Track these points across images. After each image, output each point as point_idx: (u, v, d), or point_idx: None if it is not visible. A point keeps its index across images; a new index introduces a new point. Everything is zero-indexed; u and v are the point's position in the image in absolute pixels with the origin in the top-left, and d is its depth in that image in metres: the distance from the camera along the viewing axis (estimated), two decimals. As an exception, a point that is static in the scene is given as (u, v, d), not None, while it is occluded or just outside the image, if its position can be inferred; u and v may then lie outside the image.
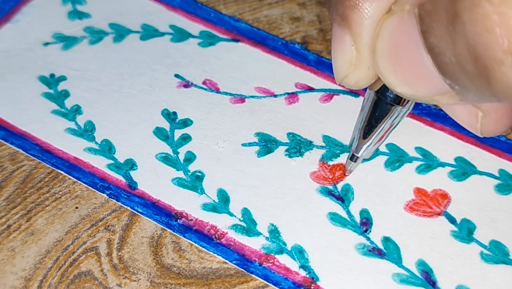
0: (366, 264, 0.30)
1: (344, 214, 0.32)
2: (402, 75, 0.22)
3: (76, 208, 0.32)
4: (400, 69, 0.22)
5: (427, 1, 0.20)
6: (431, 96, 0.22)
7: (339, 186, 0.33)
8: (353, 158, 0.32)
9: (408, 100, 0.27)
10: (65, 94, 0.36)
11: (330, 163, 0.33)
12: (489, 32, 0.19)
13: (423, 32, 0.21)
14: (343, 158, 0.33)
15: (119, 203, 0.32)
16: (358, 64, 0.24)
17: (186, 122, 0.35)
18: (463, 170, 0.33)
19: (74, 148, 0.34)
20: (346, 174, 0.33)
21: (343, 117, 0.35)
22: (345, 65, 0.24)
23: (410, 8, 0.21)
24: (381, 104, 0.28)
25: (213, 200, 0.32)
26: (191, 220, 0.32)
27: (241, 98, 0.36)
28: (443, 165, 0.33)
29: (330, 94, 0.36)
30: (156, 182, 0.33)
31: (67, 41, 0.38)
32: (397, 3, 0.22)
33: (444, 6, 0.20)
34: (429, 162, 0.33)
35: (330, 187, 0.32)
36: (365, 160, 0.33)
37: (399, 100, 0.27)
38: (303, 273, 0.30)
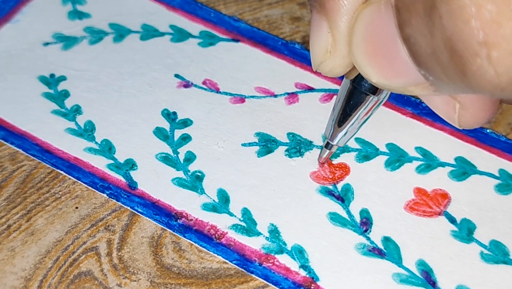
0: (366, 264, 0.30)
1: (344, 214, 0.32)
2: (377, 65, 0.23)
3: (76, 208, 0.32)
4: (376, 59, 0.22)
5: None
6: (405, 86, 0.23)
7: (339, 186, 0.33)
8: (327, 146, 0.32)
9: (383, 90, 0.27)
10: (65, 94, 0.36)
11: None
12: (465, 24, 0.19)
13: (400, 23, 0.21)
14: (343, 158, 0.33)
15: (119, 203, 0.32)
16: (334, 52, 0.24)
17: (186, 122, 0.35)
18: (463, 169, 0.33)
19: (74, 148, 0.34)
20: (319, 161, 0.33)
21: (343, 117, 0.35)
22: (321, 52, 0.24)
23: None
24: (356, 93, 0.28)
25: (213, 200, 0.32)
26: (191, 220, 0.32)
27: (241, 98, 0.36)
28: (443, 164, 0.33)
29: (330, 94, 0.36)
30: (156, 182, 0.33)
31: (67, 41, 0.38)
32: None
33: None
34: (429, 162, 0.33)
35: (330, 187, 0.32)
36: (364, 160, 0.33)
37: (374, 89, 0.27)
38: (303, 273, 0.30)
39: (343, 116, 0.29)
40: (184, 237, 0.31)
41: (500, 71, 0.19)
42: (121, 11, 0.40)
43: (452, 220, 0.32)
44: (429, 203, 0.32)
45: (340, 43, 0.24)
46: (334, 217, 0.32)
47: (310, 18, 0.39)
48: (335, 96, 0.36)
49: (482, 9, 0.18)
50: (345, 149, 0.34)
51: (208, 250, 0.31)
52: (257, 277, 0.30)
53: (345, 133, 0.30)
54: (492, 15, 0.18)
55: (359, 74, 0.26)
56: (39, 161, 0.34)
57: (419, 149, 0.34)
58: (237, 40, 0.38)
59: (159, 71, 0.37)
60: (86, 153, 0.34)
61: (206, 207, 0.32)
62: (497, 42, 0.19)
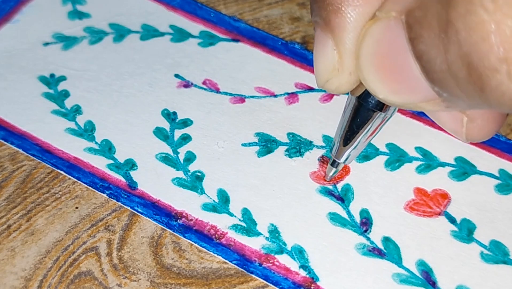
0: (366, 264, 0.30)
1: (344, 214, 0.32)
2: (386, 82, 0.22)
3: (76, 208, 0.32)
4: (385, 76, 0.22)
5: (416, 8, 0.20)
6: (415, 103, 0.22)
7: (339, 186, 0.33)
8: (334, 164, 0.31)
9: (390, 106, 0.27)
10: (65, 94, 0.36)
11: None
12: (484, 40, 0.19)
13: (411, 39, 0.21)
14: (343, 158, 0.33)
15: (119, 203, 0.32)
16: (340, 70, 0.24)
17: (186, 122, 0.35)
18: (463, 169, 0.33)
19: (74, 148, 0.34)
20: (326, 180, 0.33)
21: (343, 117, 0.35)
22: (327, 70, 0.24)
23: (396, 15, 0.21)
24: (363, 110, 0.27)
25: (213, 200, 0.32)
26: (191, 220, 0.32)
27: (241, 98, 0.36)
28: (443, 164, 0.33)
29: (330, 94, 0.36)
30: (156, 182, 0.33)
31: (67, 41, 0.38)
32: (382, 10, 0.22)
33: (436, 14, 0.19)
34: (429, 162, 0.33)
35: (330, 187, 0.32)
36: (364, 160, 0.33)
37: (381, 106, 0.27)
38: (303, 273, 0.30)
39: (350, 134, 0.29)
40: (184, 237, 0.31)
41: None
42: (121, 11, 0.40)
43: (452, 220, 0.32)
44: (429, 203, 0.32)
45: (346, 60, 0.23)
46: (334, 217, 0.32)
47: (309, 18, 0.39)
48: (335, 97, 0.36)
49: (502, 25, 0.18)
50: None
51: (208, 250, 0.31)
52: (257, 277, 0.30)
53: (352, 151, 0.29)
54: None
55: (365, 90, 0.26)
56: (39, 161, 0.34)
57: (419, 149, 0.34)
58: (237, 40, 0.38)
59: (159, 71, 0.37)
60: (86, 153, 0.34)
61: (206, 207, 0.32)
62: None
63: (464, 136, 0.26)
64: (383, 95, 0.23)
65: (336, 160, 0.30)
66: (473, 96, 0.20)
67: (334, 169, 0.32)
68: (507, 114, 0.26)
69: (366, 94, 0.27)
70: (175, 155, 0.34)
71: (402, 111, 0.35)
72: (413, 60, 0.21)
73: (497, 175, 0.33)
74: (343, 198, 0.32)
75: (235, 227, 0.31)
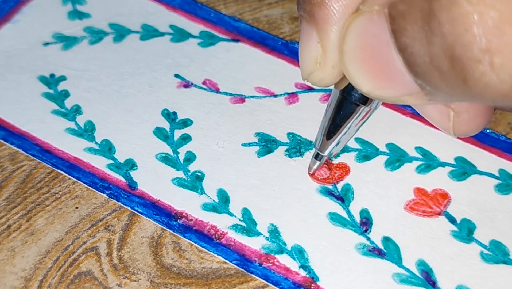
0: (366, 264, 0.30)
1: (344, 214, 0.32)
2: (369, 76, 0.22)
3: (76, 208, 0.32)
4: (368, 69, 0.22)
5: (399, 1, 0.20)
6: (398, 96, 0.22)
7: (339, 186, 0.33)
8: (317, 157, 0.32)
9: (374, 100, 0.27)
10: (65, 94, 0.36)
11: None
12: (467, 31, 0.19)
13: (395, 32, 0.21)
14: (343, 158, 0.33)
15: (119, 203, 0.32)
16: (323, 63, 0.24)
17: (186, 122, 0.35)
18: (463, 169, 0.33)
19: (74, 148, 0.34)
20: (309, 172, 0.33)
21: (343, 117, 0.35)
22: (311, 63, 0.24)
23: (379, 8, 0.21)
24: (346, 103, 0.27)
25: (213, 200, 0.32)
26: (191, 220, 0.32)
27: (241, 98, 0.36)
28: (443, 164, 0.33)
29: (330, 94, 0.36)
30: (156, 182, 0.33)
31: (67, 41, 0.38)
32: (365, 3, 0.22)
33: (419, 6, 0.20)
34: (429, 162, 0.33)
35: (330, 187, 0.32)
36: (364, 160, 0.33)
37: (364, 99, 0.27)
38: (303, 273, 0.30)
39: (333, 127, 0.29)
40: (184, 237, 0.31)
41: (503, 78, 0.19)
42: (121, 11, 0.40)
43: (452, 220, 0.32)
44: (429, 203, 0.32)
45: (330, 53, 0.23)
46: (334, 217, 0.32)
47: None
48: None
49: (485, 16, 0.18)
50: (345, 149, 0.34)
51: (208, 250, 0.31)
52: (257, 277, 0.30)
53: (336, 145, 0.30)
54: (495, 22, 0.18)
55: (349, 84, 0.26)
56: (39, 161, 0.34)
57: (419, 149, 0.34)
58: (237, 40, 0.38)
59: (159, 71, 0.37)
60: (86, 153, 0.34)
61: (206, 207, 0.32)
62: (500, 49, 0.19)
63: (452, 131, 0.26)
64: (366, 89, 0.23)
65: (320, 153, 0.31)
66: (457, 89, 0.20)
67: (317, 162, 0.32)
68: (494, 108, 0.26)
69: (349, 88, 0.27)
70: (175, 155, 0.34)
71: (402, 111, 0.35)
72: (396, 53, 0.21)
73: (497, 174, 0.33)
74: (343, 198, 0.32)
75: (235, 227, 0.31)
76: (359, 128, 0.29)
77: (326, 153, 0.30)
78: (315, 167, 0.32)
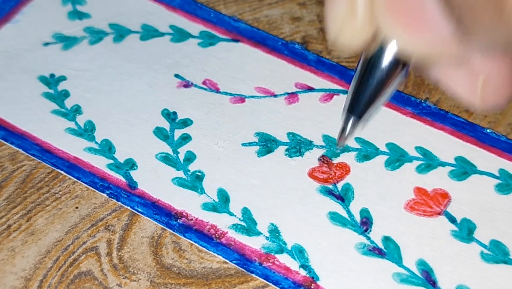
0: (366, 263, 0.30)
1: (344, 214, 0.32)
2: (402, 21, 0.21)
3: (76, 208, 0.32)
4: (401, 13, 0.21)
5: None
6: (432, 46, 0.22)
7: (339, 185, 0.33)
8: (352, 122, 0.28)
9: (404, 66, 0.26)
10: (65, 94, 0.36)
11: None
12: None
13: None
14: (343, 157, 0.33)
15: (119, 203, 0.32)
16: (352, 16, 0.23)
17: (186, 122, 0.35)
18: (463, 169, 0.33)
19: (74, 148, 0.34)
20: (338, 146, 0.32)
21: (343, 117, 0.35)
22: (339, 19, 0.23)
23: None
24: (375, 70, 0.27)
25: (213, 200, 0.32)
26: (191, 219, 0.32)
27: (241, 98, 0.36)
28: (443, 164, 0.33)
29: (330, 94, 0.36)
30: (156, 181, 0.33)
31: (67, 41, 0.38)
32: None
33: None
34: (429, 162, 0.33)
35: (330, 186, 0.32)
36: (364, 160, 0.33)
37: (394, 65, 0.26)
38: (303, 272, 0.30)
39: (371, 93, 0.27)
40: (184, 236, 0.31)
41: None
42: (121, 11, 0.40)
43: (452, 219, 0.31)
44: (429, 203, 0.32)
45: (359, 4, 0.23)
46: (334, 217, 0.32)
47: (310, 17, 0.39)
48: (335, 97, 0.36)
49: None
50: (345, 149, 0.34)
51: (208, 249, 0.31)
52: (257, 277, 0.30)
53: (369, 110, 0.27)
54: None
55: (379, 48, 0.25)
56: (39, 160, 0.34)
57: (419, 149, 0.34)
58: (237, 40, 0.38)
59: (159, 71, 0.37)
60: (86, 152, 0.34)
61: (206, 206, 0.32)
62: None
63: (479, 101, 0.25)
64: (399, 36, 0.22)
65: (356, 118, 0.28)
66: (493, 20, 0.19)
67: (348, 130, 0.30)
68: None
69: (378, 52, 0.26)
70: (175, 155, 0.34)
71: (402, 111, 0.35)
72: None
73: (497, 174, 0.33)
74: (343, 197, 0.32)
75: (235, 227, 0.31)
76: (390, 97, 0.27)
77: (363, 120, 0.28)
78: (347, 134, 0.28)
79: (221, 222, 0.31)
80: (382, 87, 0.27)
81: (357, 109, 0.28)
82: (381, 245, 0.31)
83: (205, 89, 0.36)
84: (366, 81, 0.27)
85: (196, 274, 0.30)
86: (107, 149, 0.34)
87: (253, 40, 0.38)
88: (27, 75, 0.37)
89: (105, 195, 0.32)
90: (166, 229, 0.31)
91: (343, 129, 0.28)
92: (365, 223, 0.31)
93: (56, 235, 0.31)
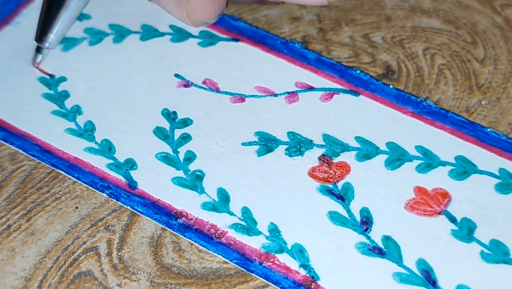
0: (367, 263, 0.30)
1: (344, 213, 0.32)
2: None
3: (76, 208, 0.32)
4: None
5: None
6: None
7: (339, 184, 0.33)
8: (39, 50, 0.36)
9: None
10: (65, 94, 0.36)
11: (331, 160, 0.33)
12: None
13: None
14: (343, 157, 0.33)
15: (119, 203, 0.32)
16: None
17: (186, 122, 0.35)
18: (464, 169, 0.33)
19: (74, 148, 0.34)
20: (34, 66, 0.36)
21: (343, 116, 0.35)
22: None
23: None
24: None
25: (213, 199, 0.32)
26: (191, 219, 0.32)
27: (241, 98, 0.36)
28: (443, 163, 0.33)
29: (330, 93, 0.36)
30: (156, 181, 0.33)
31: (67, 43, 0.38)
32: None
33: None
34: (429, 161, 0.33)
35: (330, 186, 0.32)
36: (364, 159, 0.33)
37: None
38: (303, 272, 0.30)
39: (49, 20, 0.34)
40: (184, 236, 0.31)
41: None
42: (121, 12, 0.40)
43: (452, 219, 0.31)
44: (430, 202, 0.32)
45: None
46: (334, 216, 0.31)
47: (309, 17, 0.39)
48: (335, 96, 0.36)
49: None
50: (346, 148, 0.34)
51: (208, 249, 0.31)
52: (257, 277, 0.30)
53: (53, 36, 0.35)
54: None
55: None
56: (39, 161, 0.34)
57: (419, 148, 0.34)
58: (237, 40, 0.38)
59: (159, 71, 0.37)
60: (86, 152, 0.34)
61: (206, 206, 0.32)
62: None
63: (188, 20, 0.29)
64: None
65: (40, 45, 0.35)
66: None
67: (40, 55, 0.36)
68: None
69: None
70: (175, 154, 0.34)
71: (402, 110, 0.35)
72: None
73: (497, 174, 0.33)
74: (343, 197, 0.32)
75: (235, 226, 0.31)
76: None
77: (45, 46, 0.35)
78: (38, 59, 0.36)
79: (221, 222, 0.31)
80: (65, 13, 0.34)
81: (37, 34, 0.35)
82: (381, 245, 0.31)
83: (205, 88, 0.36)
84: (51, 9, 0.34)
85: (196, 274, 0.30)
86: (107, 149, 0.34)
87: (253, 39, 0.38)
88: (27, 77, 0.37)
89: (105, 195, 0.32)
90: (166, 229, 0.31)
91: (34, 55, 0.37)
92: (365, 223, 0.31)
93: (56, 235, 0.31)
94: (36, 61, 0.36)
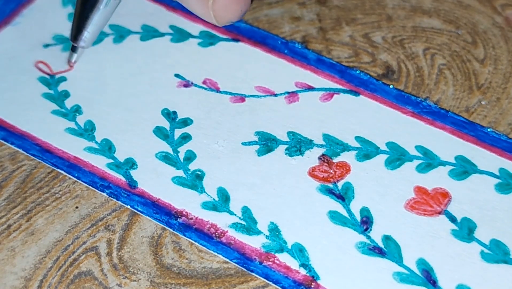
0: (367, 262, 0.30)
1: (344, 213, 0.32)
2: None
3: (76, 207, 0.32)
4: None
5: None
6: None
7: (340, 184, 0.33)
8: (74, 49, 0.36)
9: None
10: (65, 94, 0.36)
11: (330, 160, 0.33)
12: None
13: None
14: (343, 156, 0.33)
15: (119, 203, 0.32)
16: None
17: (186, 122, 0.35)
18: (464, 168, 0.33)
19: (74, 148, 0.34)
20: (70, 66, 0.36)
21: (343, 116, 0.35)
22: None
23: None
24: None
25: (213, 199, 0.32)
26: (191, 218, 0.31)
27: (241, 98, 0.36)
28: (443, 163, 0.33)
29: (330, 93, 0.36)
30: (156, 181, 0.33)
31: (68, 43, 0.38)
32: None
33: None
34: (429, 161, 0.33)
35: (331, 186, 0.32)
36: (364, 159, 0.33)
37: None
38: (303, 271, 0.30)
39: (83, 19, 0.34)
40: (184, 235, 0.31)
41: None
42: (121, 12, 0.40)
43: (452, 219, 0.31)
44: (430, 202, 0.32)
45: None
46: (335, 216, 0.31)
47: (309, 17, 0.39)
48: (336, 96, 0.36)
49: None
50: (346, 148, 0.34)
51: (208, 248, 0.31)
52: (257, 276, 0.30)
53: (87, 36, 0.35)
54: None
55: None
56: (39, 160, 0.34)
57: (419, 148, 0.34)
58: (237, 40, 0.38)
59: (159, 71, 0.37)
60: (86, 152, 0.34)
61: (206, 205, 0.32)
62: None
63: (214, 19, 0.29)
64: None
65: (75, 44, 0.35)
66: None
67: (75, 54, 0.36)
68: None
69: None
70: (175, 154, 0.34)
71: (402, 110, 0.35)
72: None
73: (497, 174, 0.33)
74: (343, 196, 0.32)
75: (235, 226, 0.31)
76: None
77: (80, 45, 0.35)
78: (73, 59, 0.36)
79: (221, 221, 0.31)
80: (91, 11, 0.34)
81: (72, 34, 0.35)
82: (381, 244, 0.31)
83: (205, 88, 0.36)
84: (85, 8, 0.34)
85: (196, 274, 0.30)
86: (107, 148, 0.34)
87: (253, 39, 0.38)
88: (27, 76, 0.37)
89: (105, 194, 0.32)
90: (166, 229, 0.31)
91: (69, 54, 0.37)
92: (366, 222, 0.31)
93: (56, 235, 0.31)
94: (71, 60, 0.36)
